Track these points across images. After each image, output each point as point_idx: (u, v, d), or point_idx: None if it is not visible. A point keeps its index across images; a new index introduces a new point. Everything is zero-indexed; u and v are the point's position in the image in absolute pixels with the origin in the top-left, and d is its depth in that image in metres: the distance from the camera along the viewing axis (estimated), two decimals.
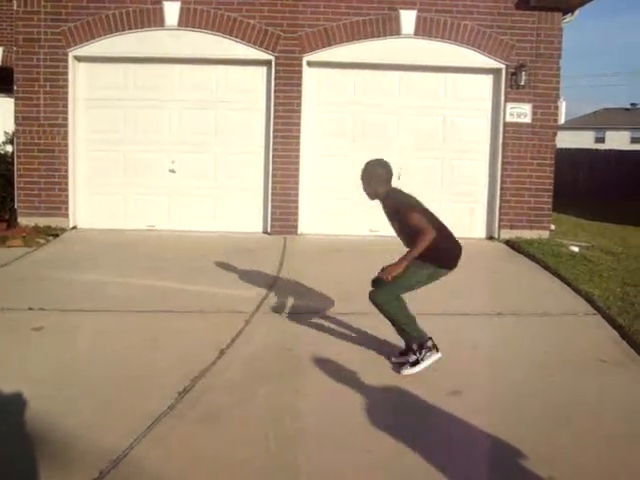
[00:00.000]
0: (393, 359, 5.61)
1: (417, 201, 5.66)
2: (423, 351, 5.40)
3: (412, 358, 5.41)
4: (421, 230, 5.17)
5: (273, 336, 6.22)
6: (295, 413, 4.68)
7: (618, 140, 54.91)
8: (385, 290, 5.34)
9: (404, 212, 5.36)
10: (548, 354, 5.98)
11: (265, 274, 8.37)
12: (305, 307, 7.07)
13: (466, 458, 4.12)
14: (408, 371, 5.36)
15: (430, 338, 5.47)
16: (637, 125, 60.58)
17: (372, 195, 5.64)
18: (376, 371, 5.38)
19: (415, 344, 5.41)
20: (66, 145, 11.07)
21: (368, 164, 5.65)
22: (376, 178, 5.58)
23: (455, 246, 5.64)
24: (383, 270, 5.19)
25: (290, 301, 7.28)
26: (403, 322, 5.40)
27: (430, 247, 5.19)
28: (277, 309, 7.04)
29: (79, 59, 11.10)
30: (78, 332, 6.26)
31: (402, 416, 4.66)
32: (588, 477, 3.90)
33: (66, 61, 10.93)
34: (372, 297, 5.38)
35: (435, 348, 5.46)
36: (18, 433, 4.21)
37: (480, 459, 4.11)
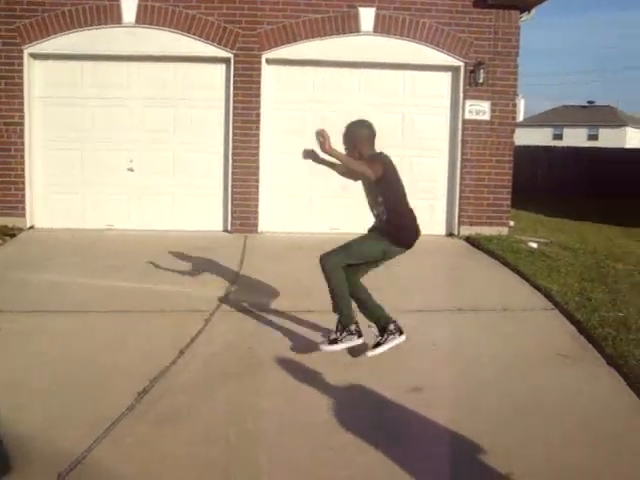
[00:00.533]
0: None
1: (395, 168, 5.59)
2: (345, 333, 5.39)
3: (332, 335, 5.42)
4: (368, 169, 5.21)
5: (233, 335, 6.19)
6: (256, 412, 4.66)
7: (575, 137, 55.72)
8: (336, 255, 5.29)
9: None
10: (507, 349, 6.03)
11: (225, 273, 8.32)
12: (265, 305, 7.05)
13: (427, 453, 4.13)
14: (326, 347, 5.40)
15: (394, 321, 5.54)
16: (594, 122, 61.52)
17: (357, 159, 5.41)
18: (336, 369, 5.37)
19: (341, 323, 5.40)
20: (22, 144, 10.89)
21: (350, 125, 5.54)
22: (361, 139, 5.45)
23: (415, 225, 5.62)
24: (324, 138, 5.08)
25: (250, 299, 7.25)
26: (340, 295, 5.35)
27: (392, 222, 5.32)
28: (237, 308, 7.00)
29: (35, 56, 10.92)
30: (36, 334, 6.15)
31: (363, 413, 4.66)
32: (546, 472, 3.94)
33: (21, 58, 10.75)
34: (322, 260, 5.30)
35: (399, 331, 5.51)
36: None
37: (440, 454, 4.13)
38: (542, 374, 5.49)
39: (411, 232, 5.56)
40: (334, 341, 5.38)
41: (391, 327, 5.53)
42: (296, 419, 4.55)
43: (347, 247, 5.36)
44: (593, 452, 4.22)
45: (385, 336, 5.48)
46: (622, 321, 6.61)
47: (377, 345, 5.46)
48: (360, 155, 5.38)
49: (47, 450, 3.98)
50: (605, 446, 4.31)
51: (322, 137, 5.05)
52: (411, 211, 5.61)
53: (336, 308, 5.42)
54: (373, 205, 5.47)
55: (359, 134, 5.47)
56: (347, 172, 5.60)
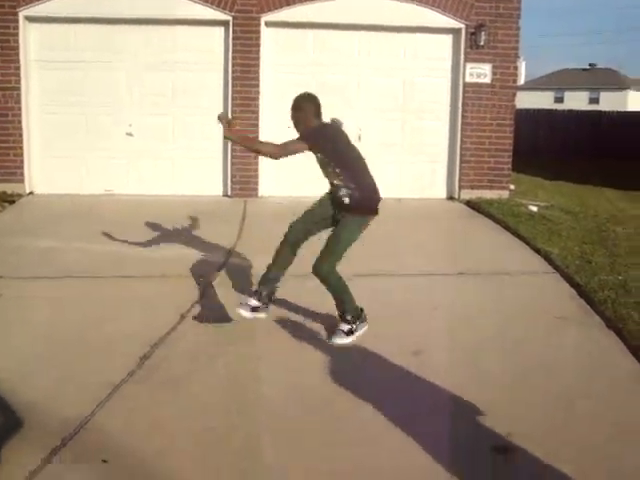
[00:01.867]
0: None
1: (346, 137, 5.45)
2: (357, 322, 5.27)
3: (346, 327, 5.24)
4: (286, 144, 5.14)
5: (234, 299, 6.19)
6: (256, 377, 4.68)
7: (577, 100, 55.32)
8: (328, 260, 5.15)
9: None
10: (507, 312, 6.05)
11: (225, 237, 8.31)
12: (264, 268, 7.03)
13: (426, 416, 4.15)
14: (342, 340, 5.20)
15: (362, 309, 5.35)
16: (595, 85, 61.13)
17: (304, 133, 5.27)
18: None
19: (350, 315, 5.24)
20: (19, 109, 10.80)
21: (296, 100, 5.37)
22: (305, 114, 5.29)
23: (376, 190, 5.47)
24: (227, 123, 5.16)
25: (251, 263, 7.24)
26: (343, 292, 5.23)
27: (354, 195, 5.21)
28: (238, 271, 7.00)
29: (30, 19, 10.79)
30: (36, 299, 6.17)
31: (363, 376, 4.69)
32: (546, 433, 3.96)
33: (17, 21, 10.61)
34: (316, 270, 5.17)
35: (365, 319, 5.35)
36: None
37: (440, 417, 4.15)
38: (542, 337, 5.51)
39: (372, 201, 5.40)
40: (350, 332, 5.24)
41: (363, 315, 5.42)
42: (296, 383, 4.56)
43: (334, 249, 5.18)
44: (591, 413, 4.24)
45: None
46: (622, 284, 6.61)
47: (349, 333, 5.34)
48: (312, 123, 5.28)
49: (50, 415, 4.00)
50: (603, 408, 4.33)
51: (223, 121, 5.10)
52: (368, 178, 5.45)
53: (340, 306, 5.28)
54: (328, 175, 5.31)
55: (303, 108, 5.30)
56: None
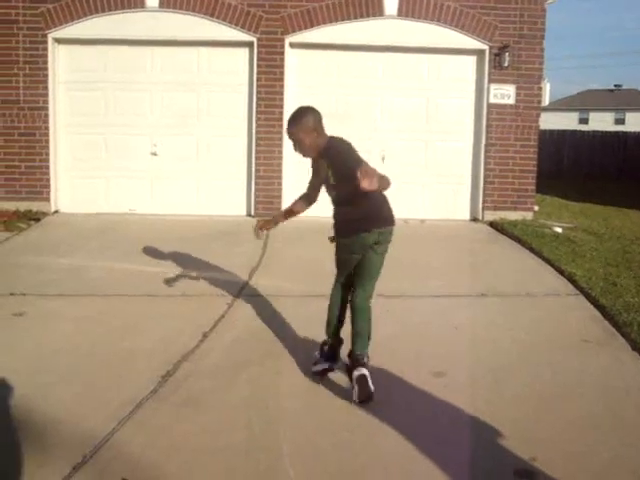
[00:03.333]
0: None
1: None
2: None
3: (364, 359, 4.58)
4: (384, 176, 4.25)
5: (255, 319, 6.20)
6: (277, 396, 4.66)
7: (602, 121, 55.12)
8: (369, 288, 4.71)
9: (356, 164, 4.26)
10: (531, 335, 5.99)
11: (248, 257, 8.33)
12: (288, 289, 7.05)
13: (449, 438, 4.12)
14: (363, 371, 4.50)
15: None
16: (620, 106, 60.82)
17: (311, 151, 4.71)
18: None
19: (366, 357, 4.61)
20: (47, 128, 10.95)
21: (297, 113, 4.69)
22: (315, 127, 4.62)
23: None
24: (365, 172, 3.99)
25: (273, 283, 7.25)
26: (369, 325, 4.73)
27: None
28: (260, 292, 7.01)
29: (59, 41, 10.96)
30: (60, 317, 6.21)
31: (385, 396, 4.65)
32: (570, 457, 3.91)
33: (45, 43, 10.79)
34: (360, 301, 4.65)
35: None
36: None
37: (463, 439, 4.12)
38: (566, 360, 5.45)
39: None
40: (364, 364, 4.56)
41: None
42: (316, 402, 4.55)
43: (374, 276, 4.73)
44: (617, 438, 4.18)
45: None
46: None
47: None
48: (316, 145, 4.65)
49: (72, 432, 4.02)
50: (628, 432, 4.27)
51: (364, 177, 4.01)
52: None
53: (367, 338, 4.71)
54: (350, 202, 4.70)
55: (314, 120, 4.63)
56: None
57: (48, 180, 11.08)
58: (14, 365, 5.02)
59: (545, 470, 3.72)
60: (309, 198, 5.29)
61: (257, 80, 11.03)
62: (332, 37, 10.98)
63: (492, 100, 11.22)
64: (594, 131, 26.98)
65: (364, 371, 4.44)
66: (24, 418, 4.17)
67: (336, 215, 4.88)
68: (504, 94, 11.18)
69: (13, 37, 10.72)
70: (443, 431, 4.23)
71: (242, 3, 10.83)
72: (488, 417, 4.33)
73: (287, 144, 11.04)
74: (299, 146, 4.68)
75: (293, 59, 11.20)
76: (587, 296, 6.97)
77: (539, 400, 4.69)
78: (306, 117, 4.63)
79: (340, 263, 4.91)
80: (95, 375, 4.94)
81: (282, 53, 11.00)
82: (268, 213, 11.01)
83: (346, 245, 4.78)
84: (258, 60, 11.00)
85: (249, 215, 11.34)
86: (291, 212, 5.40)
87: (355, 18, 10.95)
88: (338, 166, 4.58)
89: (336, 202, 4.85)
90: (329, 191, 4.85)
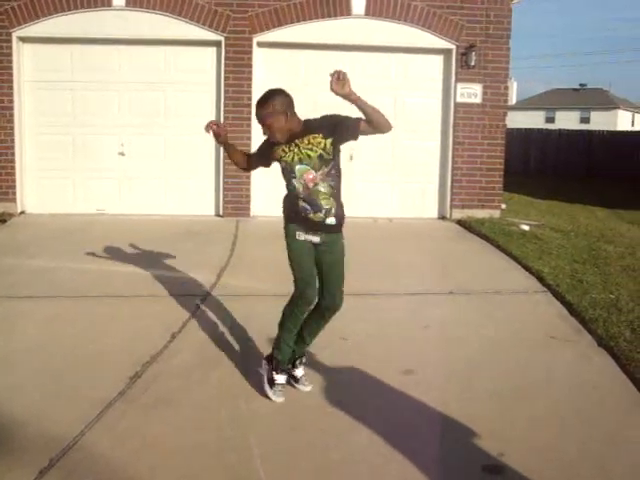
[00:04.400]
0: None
1: None
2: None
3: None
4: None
5: (224, 319, 6.18)
6: (246, 396, 4.66)
7: (567, 120, 55.75)
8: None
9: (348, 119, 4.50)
10: (499, 332, 6.04)
11: (217, 257, 8.31)
12: (256, 289, 7.04)
13: (418, 435, 4.15)
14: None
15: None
16: (585, 105, 61.55)
17: (281, 134, 4.47)
18: (329, 351, 5.37)
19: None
20: (12, 128, 10.82)
21: (265, 96, 4.54)
22: (284, 109, 4.47)
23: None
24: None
25: (242, 283, 7.25)
26: None
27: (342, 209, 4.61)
28: (228, 293, 7.00)
29: (24, 40, 10.84)
30: (28, 318, 6.15)
31: (354, 395, 4.67)
32: (538, 453, 3.95)
33: (10, 42, 10.66)
34: (340, 303, 4.60)
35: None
36: None
37: (432, 436, 4.14)
38: (534, 356, 5.51)
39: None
40: None
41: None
42: (287, 401, 4.55)
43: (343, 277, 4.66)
44: (583, 433, 4.24)
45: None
46: (613, 303, 6.63)
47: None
48: (288, 129, 4.48)
49: (39, 434, 3.99)
50: (595, 426, 4.33)
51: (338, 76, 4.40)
52: None
53: (309, 343, 4.85)
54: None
55: (288, 101, 4.55)
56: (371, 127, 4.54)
57: (14, 181, 10.95)
58: None
59: (513, 466, 3.76)
60: (248, 162, 5.22)
61: (225, 79, 11.00)
62: (300, 36, 10.98)
63: (459, 99, 11.30)
64: (560, 130, 27.29)
65: None
66: None
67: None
68: (471, 93, 11.26)
69: None
70: (413, 428, 4.26)
71: (209, 2, 10.79)
72: (457, 414, 4.37)
73: (256, 143, 11.05)
74: (269, 130, 4.49)
75: (261, 58, 11.18)
76: (554, 293, 7.05)
77: (507, 396, 4.74)
78: (274, 99, 4.47)
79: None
80: (63, 376, 4.90)
81: (250, 52, 10.98)
82: (237, 213, 11.03)
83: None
84: (226, 59, 10.97)
85: (218, 215, 11.30)
86: (234, 151, 5.19)
87: (323, 17, 10.96)
88: (338, 121, 4.56)
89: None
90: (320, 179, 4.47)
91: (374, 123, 4.43)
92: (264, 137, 4.69)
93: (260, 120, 4.49)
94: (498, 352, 5.59)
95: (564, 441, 4.12)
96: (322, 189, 4.44)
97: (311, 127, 4.52)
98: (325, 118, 4.58)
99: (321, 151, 4.43)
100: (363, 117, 4.38)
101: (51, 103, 11.07)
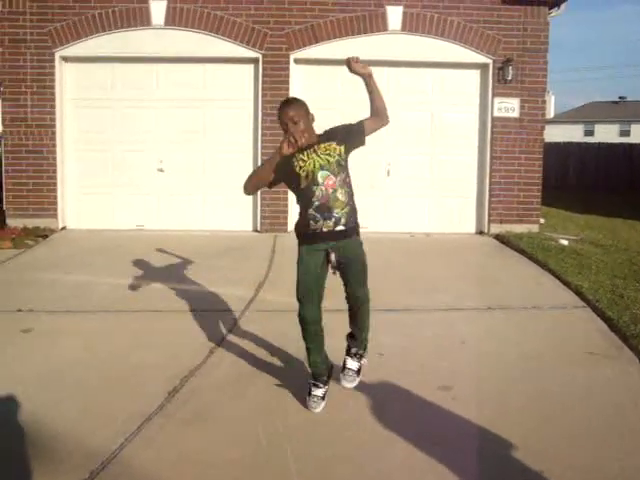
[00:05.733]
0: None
1: None
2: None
3: (356, 365, 4.90)
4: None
5: (262, 334, 6.21)
6: (283, 411, 4.67)
7: (607, 133, 55.13)
8: (366, 283, 4.76)
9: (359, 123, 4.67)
10: (538, 347, 5.99)
11: (254, 272, 8.36)
12: (294, 304, 7.04)
13: (457, 450, 4.12)
14: (353, 383, 4.88)
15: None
16: (625, 118, 60.83)
17: (304, 137, 4.39)
18: (368, 365, 5.35)
19: (364, 349, 4.96)
20: (54, 146, 11.04)
21: (291, 99, 4.77)
22: (308, 111, 4.55)
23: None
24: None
25: (279, 299, 7.25)
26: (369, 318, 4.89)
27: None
28: (267, 307, 7.03)
29: (66, 59, 11.07)
30: (67, 333, 6.23)
31: (392, 410, 4.66)
32: (578, 470, 3.91)
33: (53, 61, 10.91)
34: (363, 294, 4.73)
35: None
36: (6, 434, 4.21)
37: (471, 451, 4.11)
38: (573, 372, 5.44)
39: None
40: (359, 370, 4.93)
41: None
42: (324, 417, 4.55)
43: (365, 273, 4.77)
44: (624, 451, 4.17)
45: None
46: None
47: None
48: (309, 134, 4.47)
49: (79, 447, 4.03)
50: (636, 445, 4.26)
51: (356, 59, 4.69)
52: None
53: (360, 338, 4.95)
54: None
55: (306, 107, 4.56)
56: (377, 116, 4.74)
57: (55, 197, 11.15)
58: (22, 381, 5.05)
59: None
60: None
61: (262, 96, 11.10)
62: (336, 53, 11.02)
63: (496, 114, 11.27)
64: (599, 143, 26.98)
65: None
66: (32, 434, 4.19)
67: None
68: (508, 107, 11.22)
69: (21, 56, 10.83)
70: (449, 443, 4.23)
71: (247, 20, 10.92)
72: (495, 429, 4.33)
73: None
74: (294, 129, 4.34)
75: (298, 75, 11.27)
76: (594, 308, 6.96)
77: (547, 413, 4.69)
78: (300, 101, 4.60)
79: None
80: (102, 391, 4.96)
81: (287, 69, 11.08)
82: (274, 228, 11.10)
83: None
84: (263, 76, 11.08)
85: (255, 230, 11.38)
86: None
87: (359, 33, 11.03)
88: (347, 129, 4.68)
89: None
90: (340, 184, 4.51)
91: (379, 110, 4.71)
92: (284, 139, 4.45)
93: (289, 119, 4.39)
94: (536, 368, 5.53)
95: (605, 459, 4.05)
96: (340, 196, 4.48)
97: (324, 136, 4.62)
98: (336, 127, 4.72)
99: (337, 157, 4.53)
100: (364, 120, 4.66)
101: (91, 120, 11.27)
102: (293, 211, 11.20)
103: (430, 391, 4.94)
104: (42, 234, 10.64)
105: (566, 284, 7.89)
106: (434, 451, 4.07)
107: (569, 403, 4.87)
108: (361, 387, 4.98)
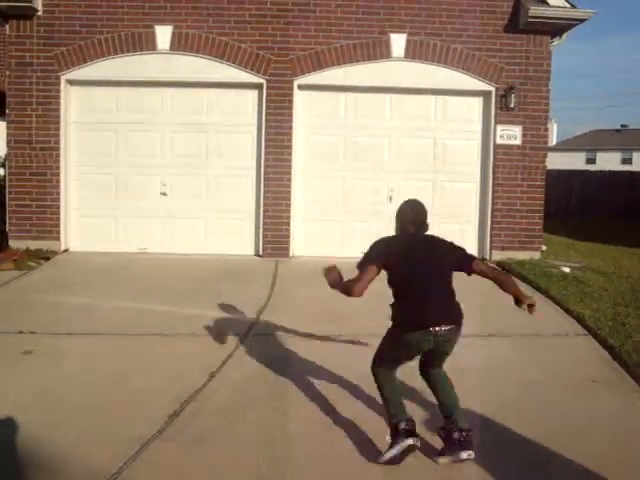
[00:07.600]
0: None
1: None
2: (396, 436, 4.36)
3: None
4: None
5: (263, 359, 6.20)
6: (283, 437, 4.66)
7: (609, 161, 55.26)
8: None
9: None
10: (539, 375, 5.98)
11: (256, 297, 8.36)
12: (296, 330, 7.06)
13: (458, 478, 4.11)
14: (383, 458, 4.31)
15: (407, 420, 4.43)
16: (627, 146, 60.99)
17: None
18: (364, 394, 5.34)
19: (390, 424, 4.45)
20: (58, 168, 11.08)
21: (420, 204, 5.05)
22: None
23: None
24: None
25: (280, 324, 7.26)
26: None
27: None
28: (268, 332, 7.03)
29: (71, 82, 11.14)
30: (68, 356, 6.24)
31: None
32: None
33: (58, 85, 10.98)
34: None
35: (407, 433, 4.34)
36: (6, 456, 4.19)
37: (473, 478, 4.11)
38: (575, 400, 5.43)
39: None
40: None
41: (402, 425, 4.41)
42: (323, 445, 4.54)
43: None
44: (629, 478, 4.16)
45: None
46: None
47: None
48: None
49: (79, 471, 4.03)
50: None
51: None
52: None
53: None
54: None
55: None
56: None
57: (58, 219, 11.17)
58: (22, 403, 5.04)
59: None
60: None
61: (266, 121, 11.16)
62: (340, 79, 11.12)
63: (499, 141, 11.31)
64: (601, 171, 27.03)
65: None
66: (31, 456, 4.19)
67: None
68: (510, 135, 11.27)
69: (27, 79, 10.91)
70: (453, 472, 4.21)
71: (252, 46, 11.00)
72: (497, 456, 4.31)
73: (295, 184, 11.20)
74: (420, 229, 4.88)
75: (301, 100, 11.33)
76: (595, 336, 6.96)
77: (549, 441, 4.66)
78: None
79: None
80: (103, 414, 4.95)
81: (291, 94, 11.14)
82: (276, 253, 11.09)
83: None
84: (267, 102, 11.14)
85: (257, 255, 11.38)
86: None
87: (363, 60, 11.09)
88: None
89: None
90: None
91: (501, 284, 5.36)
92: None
93: (420, 221, 4.90)
94: (538, 395, 5.52)
95: None
96: None
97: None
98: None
99: None
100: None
101: (95, 144, 11.32)
102: (295, 236, 11.24)
103: (429, 419, 4.92)
104: (45, 256, 10.65)
105: (568, 311, 7.89)
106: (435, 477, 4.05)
107: (572, 430, 4.84)
108: (360, 416, 4.96)
